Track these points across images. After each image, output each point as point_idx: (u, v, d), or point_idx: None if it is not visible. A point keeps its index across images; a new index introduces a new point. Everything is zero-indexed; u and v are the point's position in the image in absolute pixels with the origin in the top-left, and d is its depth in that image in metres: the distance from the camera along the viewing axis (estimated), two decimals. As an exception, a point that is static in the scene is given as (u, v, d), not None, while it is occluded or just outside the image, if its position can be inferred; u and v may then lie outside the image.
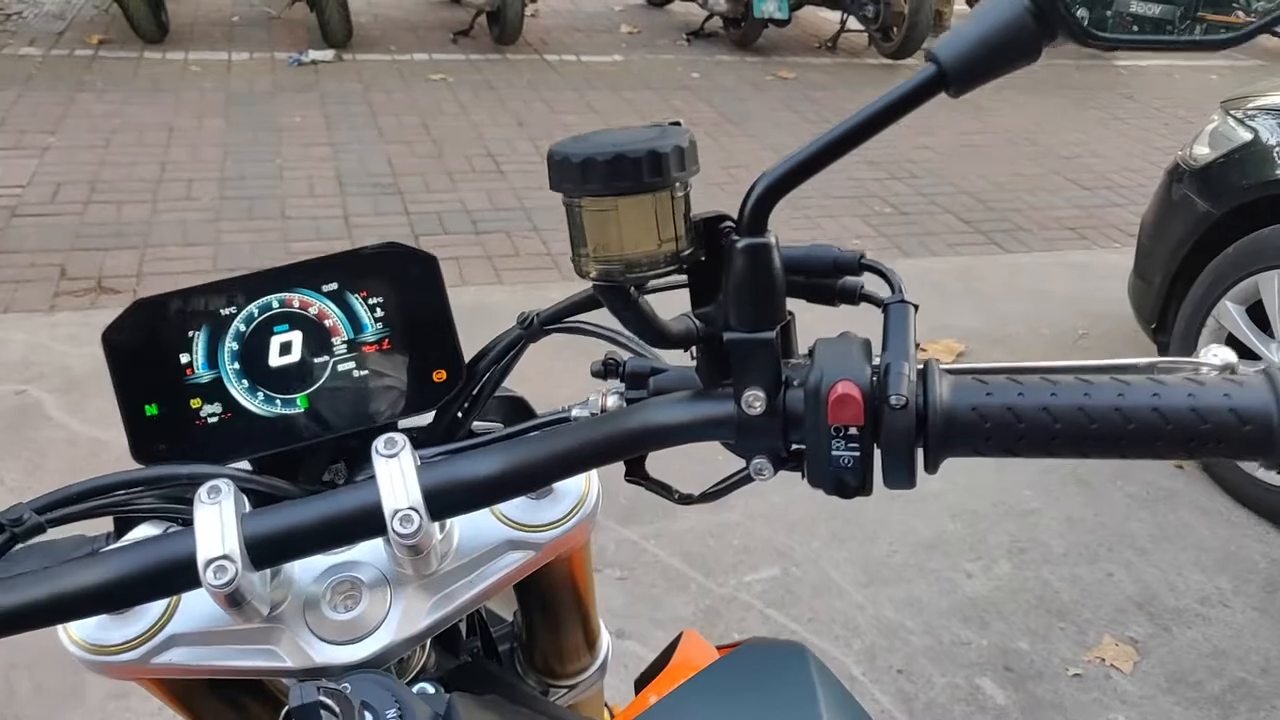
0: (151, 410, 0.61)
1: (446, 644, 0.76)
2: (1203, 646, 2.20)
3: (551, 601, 0.77)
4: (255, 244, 3.67)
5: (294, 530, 0.52)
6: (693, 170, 0.47)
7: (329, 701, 0.46)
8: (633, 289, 0.50)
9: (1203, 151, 2.71)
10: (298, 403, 0.63)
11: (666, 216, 0.47)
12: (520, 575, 0.64)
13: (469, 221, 4.05)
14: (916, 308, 0.51)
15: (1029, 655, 2.15)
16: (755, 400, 0.49)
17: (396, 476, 0.52)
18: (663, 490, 0.59)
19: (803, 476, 0.51)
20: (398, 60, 6.27)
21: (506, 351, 0.67)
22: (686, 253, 0.48)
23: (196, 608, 0.59)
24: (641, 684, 0.89)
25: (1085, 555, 2.45)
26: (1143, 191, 4.39)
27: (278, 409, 0.63)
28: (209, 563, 0.50)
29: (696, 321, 0.53)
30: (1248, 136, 2.59)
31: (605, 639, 0.87)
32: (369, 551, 0.62)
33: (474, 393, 0.68)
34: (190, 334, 0.62)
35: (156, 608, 0.59)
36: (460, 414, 0.68)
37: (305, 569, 0.61)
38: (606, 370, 0.62)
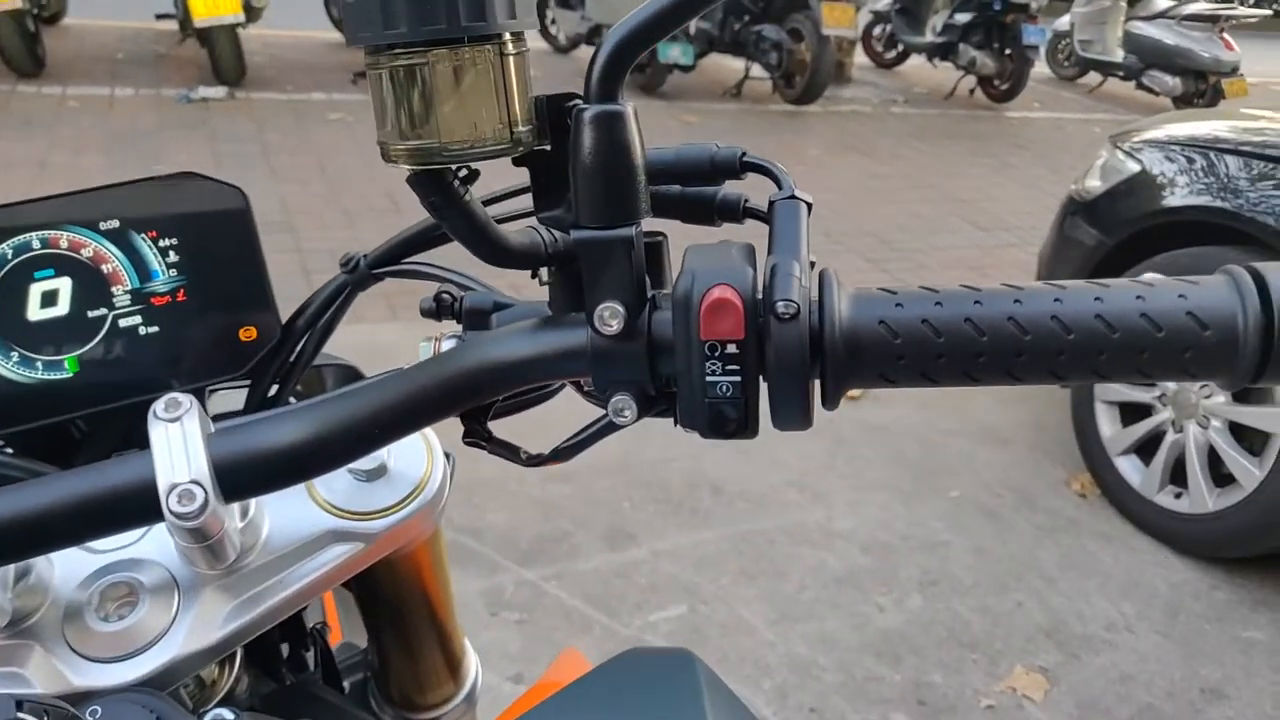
0: None
1: (264, 664, 0.63)
2: (1110, 673, 2.17)
3: (402, 617, 0.66)
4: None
5: (37, 514, 0.41)
6: (529, 23, 0.38)
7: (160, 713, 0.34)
8: (456, 180, 0.40)
9: (1094, 184, 2.76)
10: (65, 366, 0.51)
11: (495, 81, 0.37)
12: (346, 574, 0.53)
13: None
14: (810, 206, 0.43)
15: (942, 688, 2.08)
16: (611, 316, 0.39)
17: (177, 444, 0.41)
18: (507, 453, 0.49)
19: (675, 422, 0.42)
20: (294, 100, 6.11)
21: (330, 303, 0.57)
22: (523, 131, 0.39)
23: None
24: None
25: (994, 586, 2.41)
26: (1035, 232, 4.51)
27: (38, 374, 0.51)
28: None
29: (546, 233, 0.44)
30: (1135, 168, 2.64)
31: (473, 663, 0.76)
32: (155, 548, 0.50)
33: (292, 356, 0.57)
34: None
35: None
36: (277, 383, 0.57)
37: (67, 571, 0.49)
38: (439, 308, 0.52)
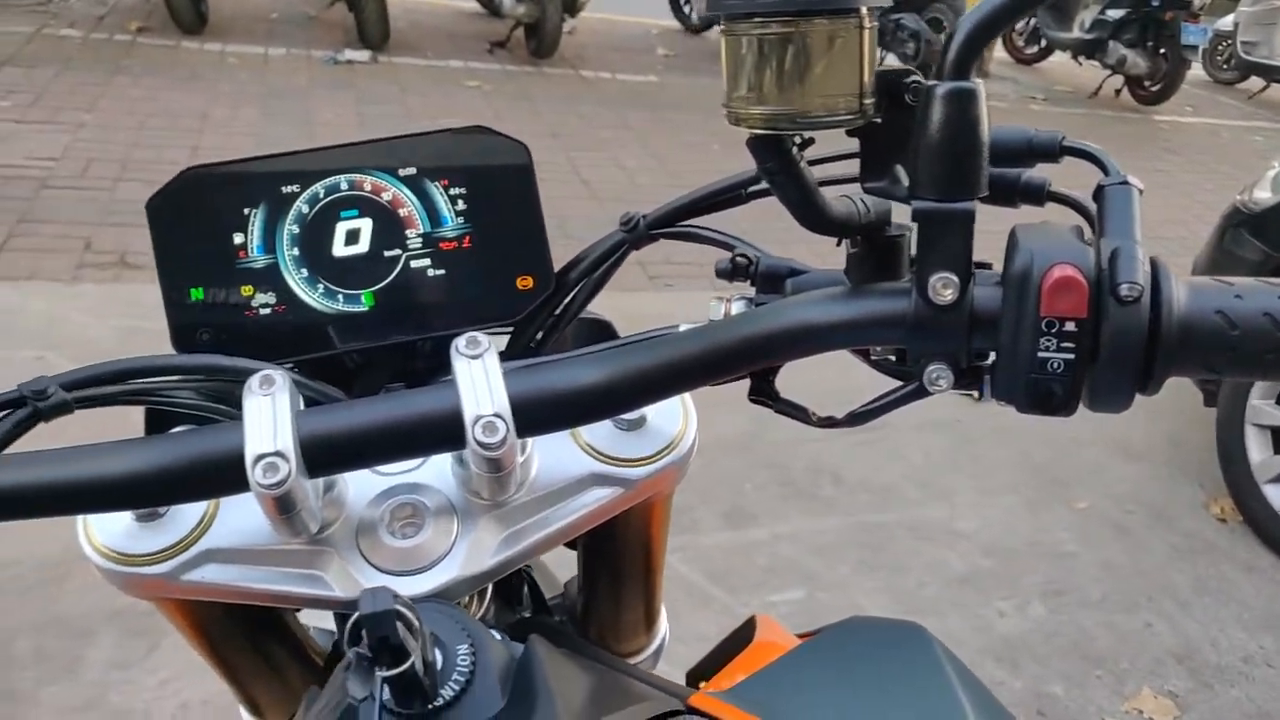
0: (197, 294, 0.54)
1: (504, 597, 0.67)
2: (1246, 706, 2.09)
3: (619, 566, 0.69)
4: (282, 232, 3.62)
5: (356, 433, 0.44)
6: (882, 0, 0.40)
7: (406, 613, 0.38)
8: (795, 147, 0.42)
9: (1264, 196, 2.63)
10: (362, 300, 0.56)
11: (853, 54, 0.39)
12: (603, 516, 0.56)
13: (499, 225, 3.99)
14: (1141, 192, 0.43)
15: (1063, 701, 2.04)
16: (945, 286, 0.41)
17: (480, 378, 0.44)
18: (796, 413, 0.51)
19: (978, 396, 0.43)
20: (433, 66, 6.26)
21: (605, 259, 0.59)
22: (870, 103, 0.40)
23: (235, 520, 0.51)
24: (697, 676, 0.81)
25: (1123, 603, 2.35)
26: (1186, 243, 4.32)
27: (339, 305, 0.55)
28: (258, 459, 0.42)
29: (862, 203, 0.46)
30: (1311, 182, 2.52)
31: (664, 621, 0.79)
32: (433, 475, 0.54)
33: (560, 306, 0.60)
34: (246, 211, 0.54)
35: (190, 517, 0.51)
36: (541, 331, 0.60)
37: (360, 489, 0.53)
38: (734, 270, 0.54)
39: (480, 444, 0.43)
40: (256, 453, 0.42)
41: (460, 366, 0.45)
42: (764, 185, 0.57)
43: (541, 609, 0.74)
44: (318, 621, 0.75)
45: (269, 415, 0.43)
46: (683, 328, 0.52)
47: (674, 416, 0.56)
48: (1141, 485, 2.81)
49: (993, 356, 0.43)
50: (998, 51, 8.83)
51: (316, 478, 0.46)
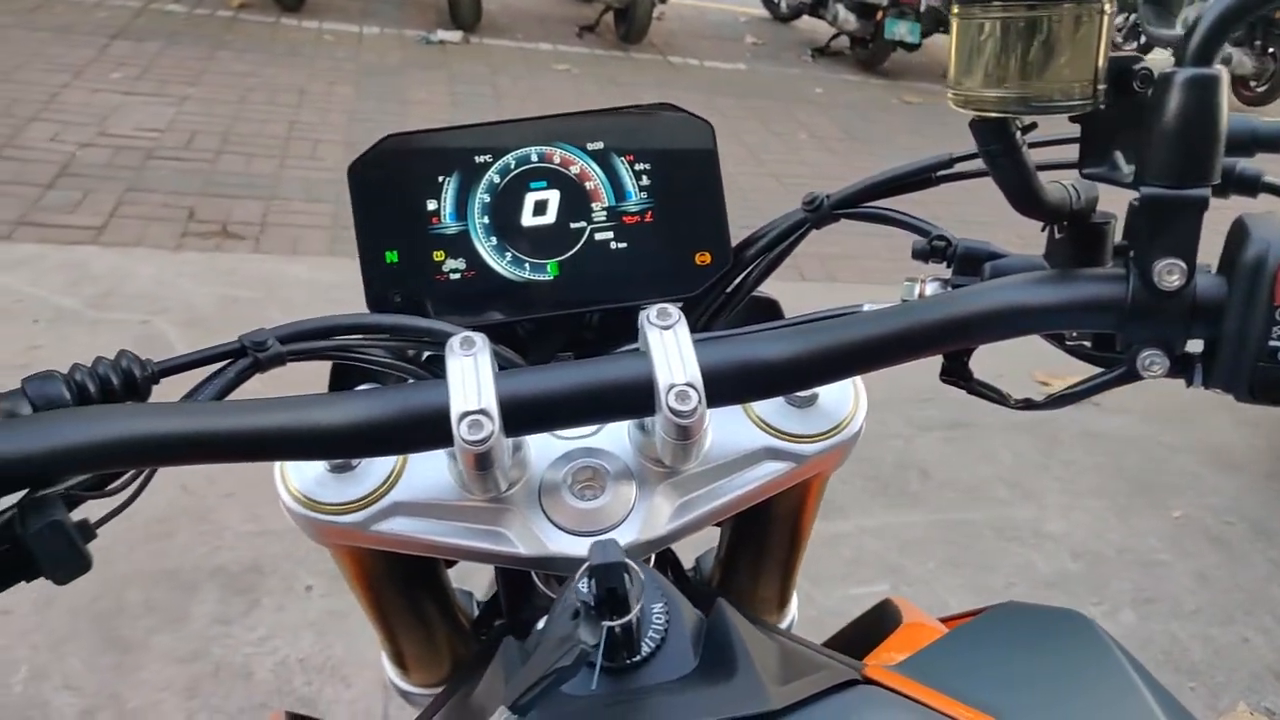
0: (392, 257, 0.56)
1: (659, 568, 0.69)
2: (1347, 728, 2.02)
3: (765, 542, 0.70)
4: (376, 207, 3.69)
5: (553, 396, 0.46)
6: None
7: (634, 566, 0.39)
8: (1019, 131, 0.42)
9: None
10: (547, 269, 0.57)
11: (1092, 40, 0.39)
12: (771, 491, 0.56)
13: (586, 208, 4.01)
14: None
15: (1155, 712, 2.00)
16: (1171, 272, 0.41)
17: (672, 349, 0.45)
18: (992, 394, 0.51)
19: (1189, 382, 0.43)
20: (523, 48, 6.31)
21: (784, 237, 0.60)
22: (1102, 89, 0.40)
23: (421, 476, 0.53)
24: None
25: (1219, 615, 2.28)
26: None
27: (525, 273, 0.57)
28: (464, 416, 0.43)
29: (1073, 188, 0.45)
30: None
31: (794, 604, 0.79)
32: (609, 441, 0.55)
33: (736, 282, 0.61)
34: (440, 179, 0.56)
35: (380, 471, 0.53)
36: (714, 307, 0.61)
37: (542, 450, 0.54)
38: (932, 251, 0.54)
39: (673, 411, 0.44)
40: (462, 410, 0.44)
41: (653, 336, 0.46)
42: (955, 170, 0.57)
43: (681, 579, 0.75)
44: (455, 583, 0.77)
45: (472, 375, 0.45)
46: (867, 307, 0.52)
47: (845, 397, 0.57)
48: (1241, 497, 2.72)
49: (1201, 344, 0.43)
50: (1095, 46, 8.58)
51: (512, 437, 0.47)
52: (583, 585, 0.39)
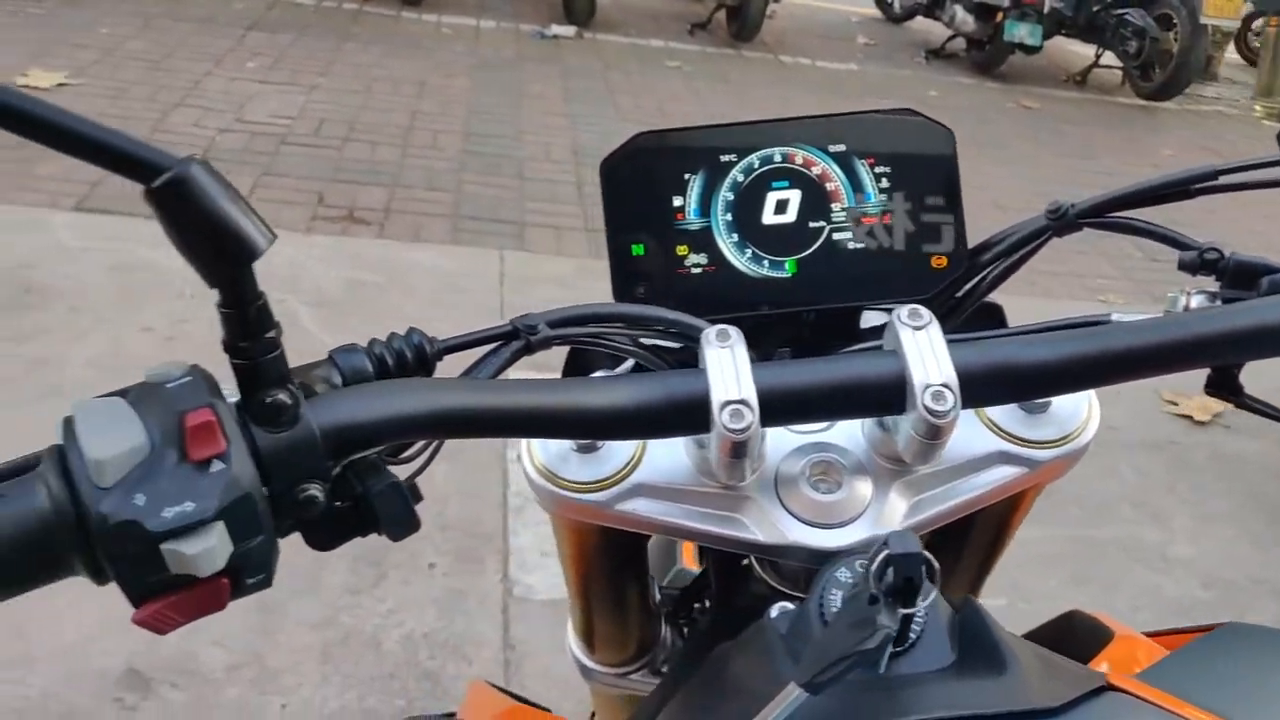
0: (638, 250, 0.58)
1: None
2: None
3: (965, 547, 0.70)
4: (494, 198, 3.76)
5: (808, 389, 0.47)
6: None
7: (930, 558, 0.40)
8: None
9: None
10: (785, 266, 0.58)
11: None
12: (1001, 495, 0.56)
13: (698, 205, 4.02)
14: None
15: (1289, 749, 1.92)
16: None
17: (926, 348, 0.46)
18: (1265, 409, 0.50)
19: None
20: (635, 44, 6.35)
21: (1023, 244, 0.60)
22: None
23: (661, 460, 0.55)
24: None
25: (1360, 653, 2.17)
26: None
27: (764, 270, 0.58)
28: (725, 405, 0.45)
29: None
30: None
31: None
32: (843, 436, 0.56)
33: (967, 287, 0.61)
34: (686, 177, 0.58)
35: (623, 454, 0.55)
36: (943, 311, 0.61)
37: (776, 443, 0.56)
38: (1202, 264, 0.53)
39: (930, 411, 0.45)
40: (724, 399, 0.45)
41: (905, 336, 0.47)
42: (1216, 182, 0.56)
43: None
44: None
45: (730, 366, 0.46)
46: (1115, 317, 0.52)
47: (1079, 405, 0.57)
48: (1384, 531, 2.59)
49: None
50: (1229, 52, 8.23)
51: (767, 427, 0.48)
52: (884, 573, 0.40)
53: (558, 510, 0.56)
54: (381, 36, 5.61)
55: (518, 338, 0.50)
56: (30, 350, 2.51)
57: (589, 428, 0.47)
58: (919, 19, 7.83)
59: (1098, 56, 6.88)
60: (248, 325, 0.37)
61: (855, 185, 0.58)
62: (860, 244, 0.58)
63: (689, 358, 0.57)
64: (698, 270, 0.58)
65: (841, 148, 0.58)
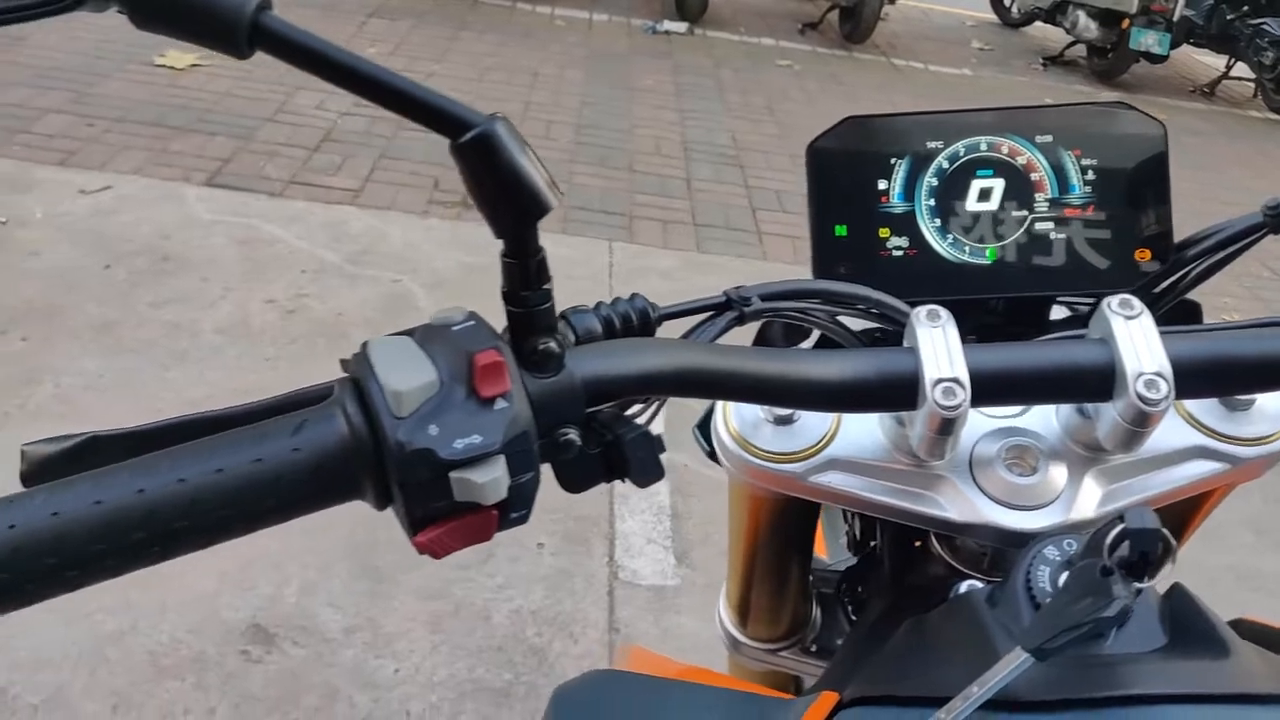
0: (840, 231, 0.59)
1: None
2: None
3: None
4: (604, 190, 3.80)
5: (1018, 372, 0.48)
6: None
7: (1168, 535, 0.40)
8: None
9: None
10: (985, 253, 0.59)
11: None
12: (1196, 490, 0.56)
13: (806, 205, 3.99)
14: None
15: None
16: None
17: (1139, 337, 0.47)
18: None
19: None
20: (746, 42, 6.34)
21: (1233, 241, 0.59)
22: None
23: (854, 435, 0.56)
24: None
25: None
26: None
27: (964, 256, 0.59)
28: (938, 383, 0.46)
29: None
30: None
31: None
32: (1036, 422, 0.56)
33: (1168, 283, 0.60)
34: (892, 161, 0.59)
35: (819, 427, 0.56)
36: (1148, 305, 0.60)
37: (971, 425, 0.56)
38: None
39: (1141, 399, 0.45)
40: (936, 377, 0.46)
41: (1117, 325, 0.47)
42: None
43: None
44: None
45: (943, 345, 0.47)
46: None
47: None
48: None
49: None
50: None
51: (976, 407, 0.49)
52: (1117, 547, 0.40)
53: (749, 477, 0.57)
54: (496, 26, 5.72)
55: (731, 308, 0.51)
56: (166, 315, 2.63)
57: (808, 398, 0.48)
58: (1037, 24, 7.63)
59: (1229, 67, 6.61)
60: (528, 276, 0.39)
61: (1060, 176, 0.58)
62: (1062, 235, 0.58)
63: (882, 339, 0.58)
64: (898, 253, 0.58)
65: (1049, 139, 0.58)
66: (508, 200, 0.37)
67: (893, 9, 7.20)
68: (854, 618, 0.75)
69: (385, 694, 1.70)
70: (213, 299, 2.74)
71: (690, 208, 3.80)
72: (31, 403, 2.24)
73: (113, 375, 2.38)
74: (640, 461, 0.42)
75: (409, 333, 0.40)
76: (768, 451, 0.56)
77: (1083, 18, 6.60)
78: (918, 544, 0.67)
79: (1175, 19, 6.30)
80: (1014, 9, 7.87)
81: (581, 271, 3.17)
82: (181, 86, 4.06)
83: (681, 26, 6.28)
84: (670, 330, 0.52)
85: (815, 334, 0.63)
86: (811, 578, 0.82)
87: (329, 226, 3.20)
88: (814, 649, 0.80)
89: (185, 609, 1.78)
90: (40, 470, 0.44)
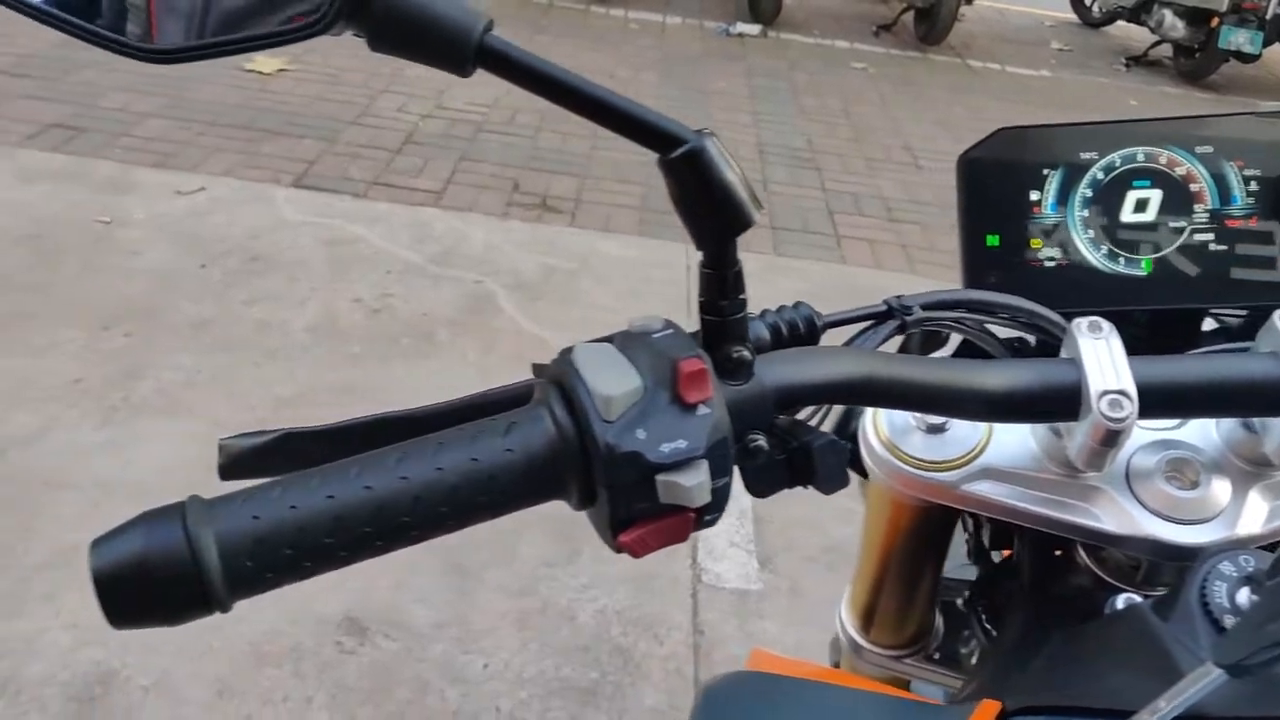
0: (992, 241, 0.59)
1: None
2: None
3: None
4: (680, 192, 3.81)
5: (1186, 384, 0.47)
6: None
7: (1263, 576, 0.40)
8: None
9: None
10: (1141, 264, 0.58)
11: None
12: None
13: (884, 208, 3.96)
14: None
15: None
16: None
17: None
18: None
19: None
20: (820, 44, 6.30)
21: None
22: None
23: (1007, 445, 0.55)
24: None
25: None
26: None
27: (1118, 267, 0.58)
28: (1104, 394, 0.46)
29: None
30: None
31: None
32: (1195, 435, 0.55)
33: None
34: (1045, 172, 0.58)
35: (971, 436, 0.56)
36: None
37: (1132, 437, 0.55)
38: None
39: None
40: (1102, 388, 0.46)
41: None
42: None
43: None
44: None
45: (1107, 356, 0.47)
46: None
47: None
48: None
49: None
50: None
51: (1143, 419, 0.48)
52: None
53: (898, 484, 0.58)
54: (571, 30, 5.77)
55: (892, 317, 0.51)
56: (257, 313, 2.71)
57: (975, 408, 0.48)
58: (1119, 24, 7.45)
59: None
60: (725, 286, 0.40)
61: (1221, 187, 0.57)
62: (1222, 246, 0.57)
63: (1020, 349, 0.58)
64: (1051, 264, 0.58)
65: (1209, 149, 0.57)
66: (713, 214, 0.38)
67: (969, 10, 7.09)
68: (988, 627, 0.74)
69: (475, 689, 1.73)
70: (301, 298, 2.81)
71: (767, 210, 3.79)
72: (135, 396, 2.33)
73: (208, 371, 2.46)
74: (828, 469, 0.42)
75: (608, 339, 0.41)
76: (919, 459, 0.56)
77: (1169, 16, 6.42)
78: (1057, 553, 0.66)
79: (1268, 16, 6.10)
80: (1095, 8, 7.70)
81: (660, 274, 3.18)
82: (270, 91, 4.17)
83: (755, 29, 6.26)
84: (830, 338, 0.53)
85: (952, 343, 0.63)
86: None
87: (411, 227, 3.26)
88: (937, 656, 0.80)
89: (282, 600, 1.82)
90: (236, 464, 0.46)
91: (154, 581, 0.34)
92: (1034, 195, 0.58)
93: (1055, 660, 0.51)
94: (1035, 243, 0.58)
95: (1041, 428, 0.55)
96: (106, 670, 1.66)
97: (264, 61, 4.43)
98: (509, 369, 2.68)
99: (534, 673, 1.77)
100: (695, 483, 0.37)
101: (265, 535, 0.34)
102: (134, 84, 3.99)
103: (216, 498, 0.36)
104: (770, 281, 3.23)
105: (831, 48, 6.26)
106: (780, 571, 2.09)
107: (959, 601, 0.80)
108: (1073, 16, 7.91)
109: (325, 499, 0.35)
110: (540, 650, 1.82)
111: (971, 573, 0.82)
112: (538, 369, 0.44)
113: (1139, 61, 6.82)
